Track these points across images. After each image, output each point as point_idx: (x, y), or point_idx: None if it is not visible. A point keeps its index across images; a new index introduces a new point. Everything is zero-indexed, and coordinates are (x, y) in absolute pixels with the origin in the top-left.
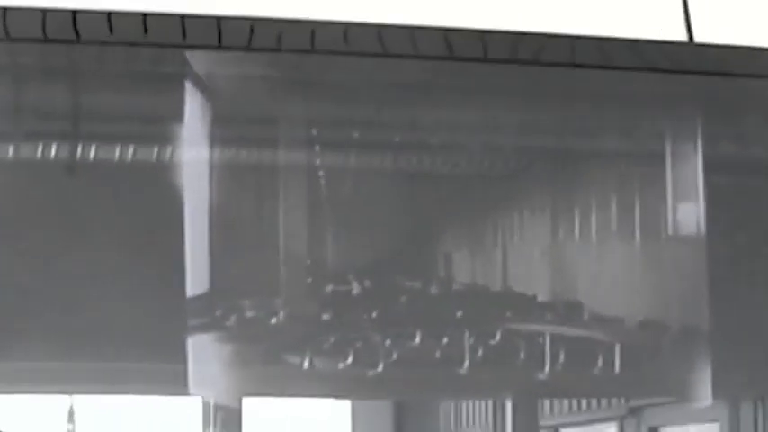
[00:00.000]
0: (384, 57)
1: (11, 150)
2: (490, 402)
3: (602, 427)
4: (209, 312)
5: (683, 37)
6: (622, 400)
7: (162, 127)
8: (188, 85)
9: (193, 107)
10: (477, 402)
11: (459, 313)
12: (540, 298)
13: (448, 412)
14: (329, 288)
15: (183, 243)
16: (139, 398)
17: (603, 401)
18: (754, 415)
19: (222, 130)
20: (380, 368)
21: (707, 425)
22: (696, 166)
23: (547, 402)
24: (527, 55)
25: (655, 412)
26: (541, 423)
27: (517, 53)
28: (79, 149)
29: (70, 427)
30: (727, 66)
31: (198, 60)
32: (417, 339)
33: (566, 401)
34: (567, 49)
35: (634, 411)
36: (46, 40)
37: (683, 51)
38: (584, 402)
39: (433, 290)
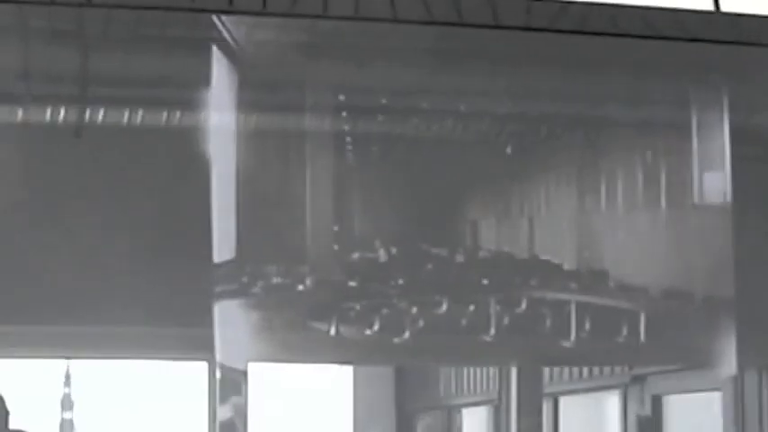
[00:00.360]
0: (398, 23)
1: (20, 113)
2: (491, 370)
3: (605, 395)
4: (236, 279)
5: (709, 6)
6: (626, 369)
7: (171, 91)
8: (197, 50)
9: (203, 71)
10: (477, 369)
11: (485, 281)
12: (567, 266)
13: (448, 379)
14: (356, 255)
15: (208, 209)
16: (135, 362)
17: (606, 369)
18: (759, 383)
19: (240, 94)
20: (407, 335)
21: (710, 393)
22: (722, 135)
23: (548, 370)
24: (541, 23)
25: (658, 380)
26: (545, 391)
27: (532, 21)
28: (87, 113)
29: (67, 390)
30: (754, 35)
31: (208, 25)
32: (444, 307)
33: (569, 370)
34: (583, 17)
35: (637, 379)
36: (54, 2)
37: (709, 20)
38: (585, 370)
39: (460, 257)
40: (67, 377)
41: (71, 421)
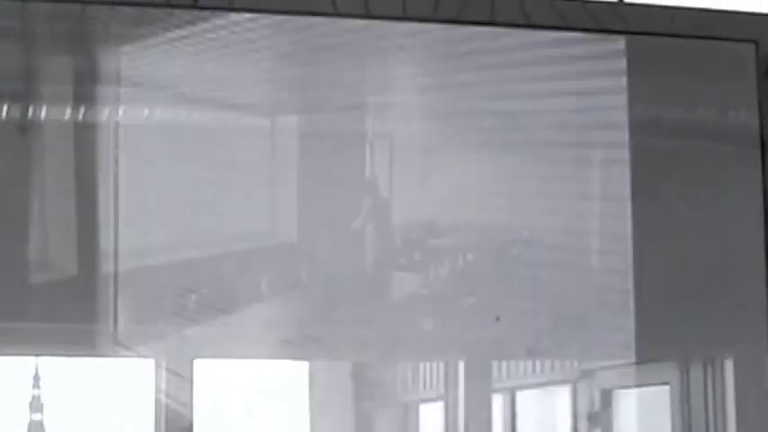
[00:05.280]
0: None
1: None
2: (443, 365)
3: (555, 390)
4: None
5: None
6: (575, 363)
7: (112, 87)
8: (140, 46)
9: (148, 68)
10: (432, 365)
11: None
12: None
13: (405, 377)
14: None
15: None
16: (106, 360)
17: (557, 364)
18: (704, 377)
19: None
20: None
21: (658, 387)
22: None
23: (496, 365)
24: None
25: (607, 375)
26: (495, 386)
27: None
28: (31, 110)
29: (36, 392)
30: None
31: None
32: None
33: (518, 364)
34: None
35: (587, 374)
36: None
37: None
38: (537, 365)
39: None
40: (36, 379)
41: (41, 423)
